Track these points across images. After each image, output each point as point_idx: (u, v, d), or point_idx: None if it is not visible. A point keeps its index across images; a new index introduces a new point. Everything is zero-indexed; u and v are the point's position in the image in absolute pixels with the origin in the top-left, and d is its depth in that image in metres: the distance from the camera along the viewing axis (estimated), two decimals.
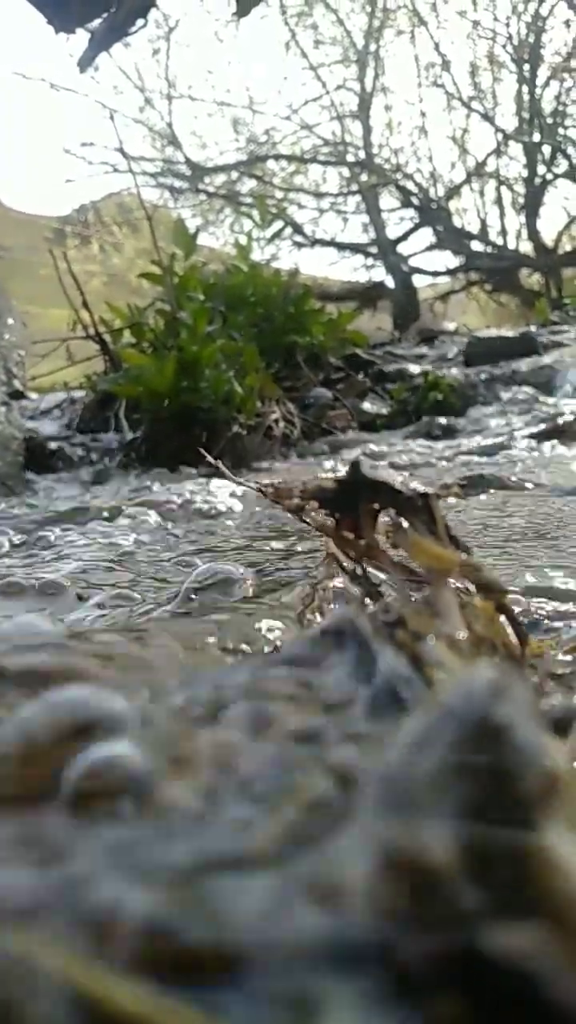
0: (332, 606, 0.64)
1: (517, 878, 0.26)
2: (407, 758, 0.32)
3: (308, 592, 0.68)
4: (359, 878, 0.26)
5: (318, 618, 0.69)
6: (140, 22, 4.01)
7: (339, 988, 0.21)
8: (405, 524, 0.59)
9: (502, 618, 0.49)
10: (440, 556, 0.52)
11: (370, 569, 0.62)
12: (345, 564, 0.64)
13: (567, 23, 11.91)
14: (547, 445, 2.81)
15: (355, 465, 0.63)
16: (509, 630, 0.48)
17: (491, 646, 0.47)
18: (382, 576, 0.61)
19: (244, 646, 0.65)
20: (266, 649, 0.66)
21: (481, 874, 0.26)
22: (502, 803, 0.28)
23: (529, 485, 1.82)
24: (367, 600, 0.59)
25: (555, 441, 2.88)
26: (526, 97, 12.07)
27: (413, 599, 0.51)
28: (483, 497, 1.70)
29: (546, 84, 12.07)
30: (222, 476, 0.89)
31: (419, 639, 0.46)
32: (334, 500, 0.65)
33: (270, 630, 0.70)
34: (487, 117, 12.45)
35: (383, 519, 0.63)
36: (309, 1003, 0.20)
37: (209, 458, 1.23)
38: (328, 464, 2.85)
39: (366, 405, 4.14)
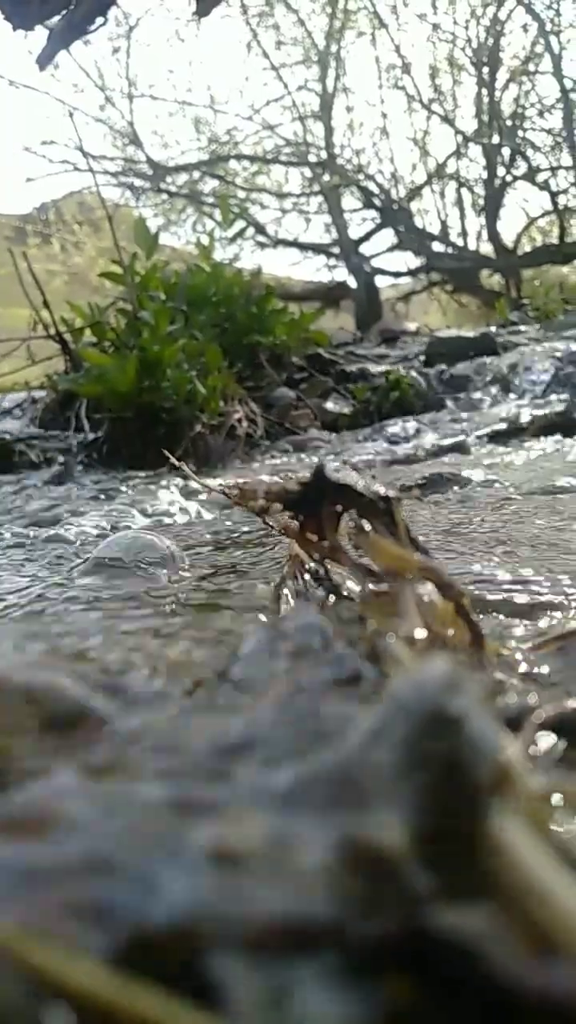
0: (294, 604, 0.66)
1: (467, 863, 0.28)
2: (363, 749, 0.33)
3: (272, 590, 0.69)
4: (317, 863, 0.27)
5: (282, 613, 0.70)
6: (99, 20, 3.98)
7: (296, 967, 0.22)
8: (367, 526, 0.61)
9: (459, 618, 0.51)
10: (400, 557, 0.54)
11: (333, 569, 0.63)
12: (308, 564, 0.65)
13: (525, 27, 12.11)
14: (505, 444, 2.86)
15: (319, 468, 0.64)
16: (466, 629, 0.50)
17: (448, 645, 0.48)
18: (344, 576, 0.62)
19: (209, 641, 0.66)
20: (231, 642, 0.67)
21: (433, 860, 0.27)
22: (454, 792, 0.30)
23: (487, 484, 1.85)
24: (329, 599, 0.60)
25: (513, 440, 2.94)
26: (485, 100, 12.24)
27: (373, 599, 0.52)
28: (442, 496, 1.73)
29: (505, 87, 12.26)
30: (185, 477, 0.90)
31: (378, 637, 0.48)
32: (298, 502, 0.66)
33: (235, 624, 0.71)
34: (447, 119, 12.60)
35: (346, 521, 0.65)
36: (267, 981, 0.21)
37: (172, 459, 1.24)
38: (294, 463, 2.86)
39: (329, 405, 4.16)
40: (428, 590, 0.52)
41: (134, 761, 0.41)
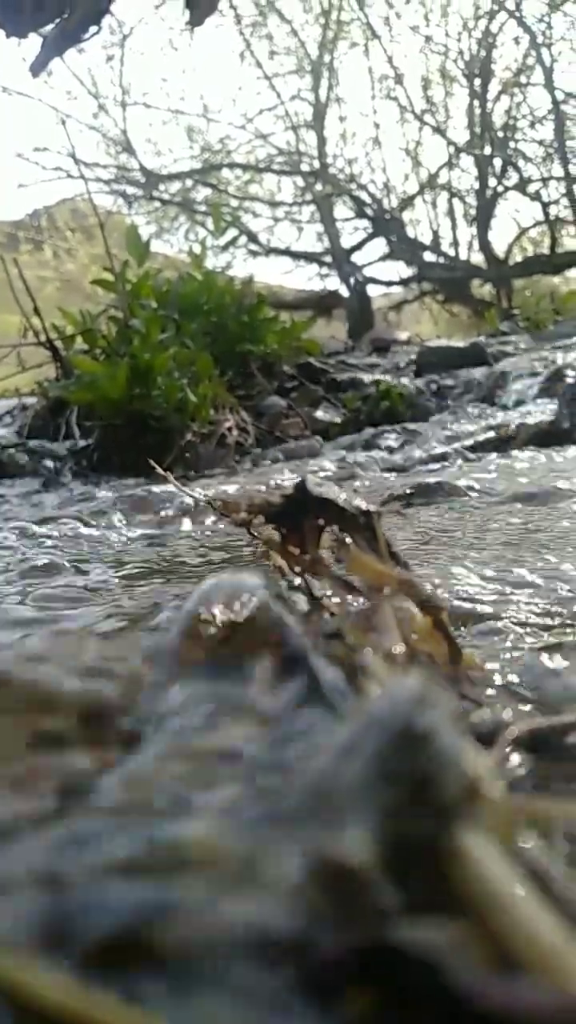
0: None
1: (433, 878, 0.28)
2: (334, 763, 0.34)
3: None
4: (286, 876, 0.28)
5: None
6: (93, 28, 4.00)
7: (262, 978, 0.22)
8: (348, 540, 0.61)
9: (438, 632, 0.52)
10: (379, 572, 0.55)
11: (314, 582, 0.64)
12: (290, 577, 0.65)
13: (516, 40, 12.21)
14: (493, 454, 2.88)
15: (301, 482, 0.65)
16: (444, 644, 0.51)
17: (426, 659, 0.49)
18: (325, 589, 0.63)
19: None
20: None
21: (399, 874, 0.28)
22: (422, 808, 0.30)
23: (475, 493, 1.86)
24: (309, 612, 0.61)
25: (502, 450, 2.96)
26: (477, 111, 12.34)
27: (352, 613, 0.53)
28: (430, 505, 1.74)
29: (497, 99, 12.38)
30: (173, 485, 0.90)
31: (356, 651, 0.48)
32: (280, 515, 0.67)
33: None
34: (439, 130, 12.69)
35: (327, 534, 0.65)
36: (233, 991, 0.22)
37: (159, 469, 1.25)
38: (286, 474, 2.87)
39: (319, 413, 4.18)
40: (407, 604, 0.53)
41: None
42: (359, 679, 0.45)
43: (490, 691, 0.50)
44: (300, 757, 0.38)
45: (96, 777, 0.38)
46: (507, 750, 0.38)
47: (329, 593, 0.59)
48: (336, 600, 0.59)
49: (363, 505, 0.60)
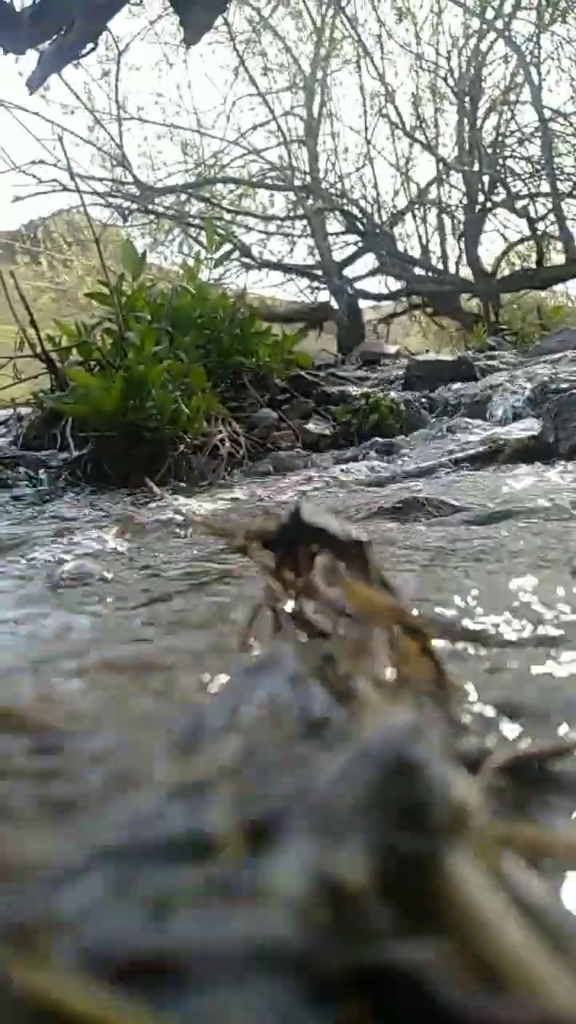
0: (269, 640, 0.68)
1: (423, 899, 0.31)
2: (331, 791, 0.36)
3: (245, 627, 0.72)
4: (287, 895, 0.30)
5: (256, 648, 0.73)
6: (90, 46, 4.04)
7: (262, 990, 0.25)
8: (341, 567, 0.64)
9: (425, 659, 0.54)
10: (370, 600, 0.57)
11: (306, 607, 0.66)
12: (283, 602, 0.68)
13: (505, 58, 12.37)
14: (480, 468, 2.92)
15: (296, 510, 0.68)
16: (432, 671, 0.53)
17: (415, 686, 0.51)
18: (318, 615, 0.65)
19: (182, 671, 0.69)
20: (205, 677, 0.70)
21: (392, 895, 0.30)
22: (413, 834, 0.32)
23: (461, 508, 1.89)
24: (303, 637, 0.63)
25: (488, 464, 2.99)
26: (467, 128, 12.48)
27: (344, 639, 0.55)
28: (416, 521, 1.76)
29: (486, 116, 12.52)
30: (170, 507, 0.92)
31: (348, 677, 0.50)
32: (275, 541, 0.69)
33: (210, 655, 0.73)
34: (429, 147, 12.82)
35: (321, 561, 0.68)
36: (236, 1002, 0.24)
37: (152, 486, 1.27)
38: (277, 486, 2.89)
39: (310, 426, 4.21)
40: (396, 631, 0.55)
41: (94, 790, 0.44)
42: (352, 705, 0.47)
43: (475, 714, 0.52)
44: (300, 779, 0.40)
45: None
46: (492, 777, 0.40)
47: (322, 619, 0.61)
48: (329, 625, 0.61)
49: (356, 535, 0.62)
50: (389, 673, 0.50)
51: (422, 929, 0.30)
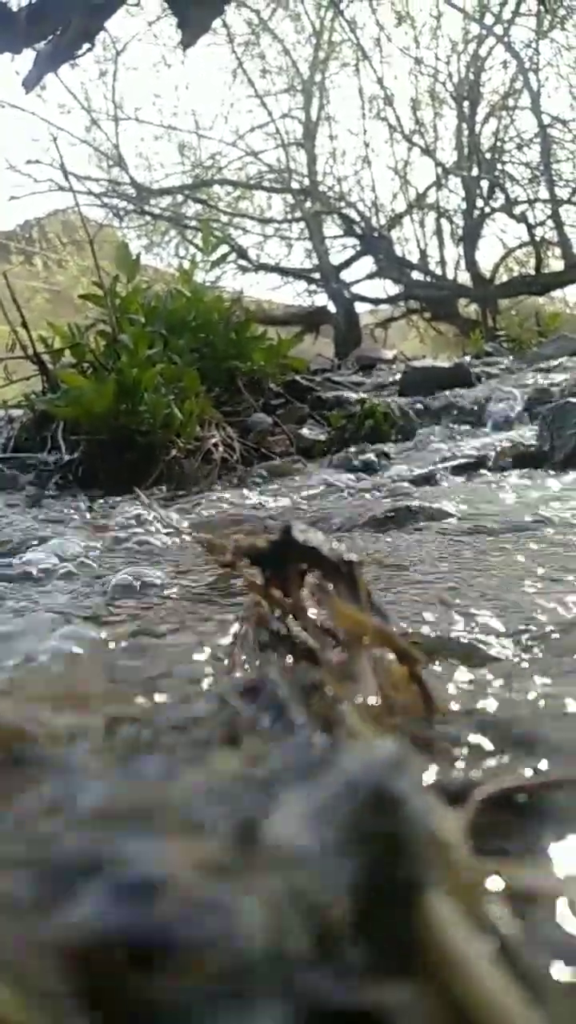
0: (255, 661, 0.68)
1: (399, 938, 0.30)
2: (311, 822, 0.36)
3: (233, 648, 0.71)
4: (261, 925, 0.29)
5: (243, 668, 0.72)
6: (86, 46, 4.04)
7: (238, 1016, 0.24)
8: (330, 587, 0.64)
9: (413, 683, 0.54)
10: (358, 622, 0.57)
11: (294, 627, 0.66)
12: (271, 621, 0.67)
13: (504, 64, 12.41)
14: (474, 476, 2.92)
15: (286, 529, 0.67)
16: (419, 695, 0.53)
17: (402, 712, 0.51)
18: (306, 635, 0.65)
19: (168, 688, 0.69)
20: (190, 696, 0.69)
21: (367, 933, 0.30)
22: (390, 870, 0.32)
23: (454, 517, 1.89)
24: (289, 658, 0.63)
25: (483, 472, 3.00)
26: (466, 133, 12.52)
27: (330, 663, 0.55)
28: (409, 530, 1.76)
29: (485, 121, 12.56)
30: (151, 509, 0.92)
31: (334, 703, 0.50)
32: (265, 559, 0.69)
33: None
34: (428, 151, 12.85)
35: (310, 579, 0.67)
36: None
37: (143, 496, 1.27)
38: (271, 492, 2.88)
39: (305, 431, 4.21)
40: (384, 654, 0.55)
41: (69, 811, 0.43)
42: (337, 731, 0.47)
43: (464, 742, 0.52)
44: (279, 808, 0.39)
45: None
46: (477, 810, 0.40)
47: (309, 640, 0.61)
48: (316, 647, 0.61)
49: (345, 555, 0.62)
50: (375, 699, 0.50)
51: (398, 969, 0.30)
